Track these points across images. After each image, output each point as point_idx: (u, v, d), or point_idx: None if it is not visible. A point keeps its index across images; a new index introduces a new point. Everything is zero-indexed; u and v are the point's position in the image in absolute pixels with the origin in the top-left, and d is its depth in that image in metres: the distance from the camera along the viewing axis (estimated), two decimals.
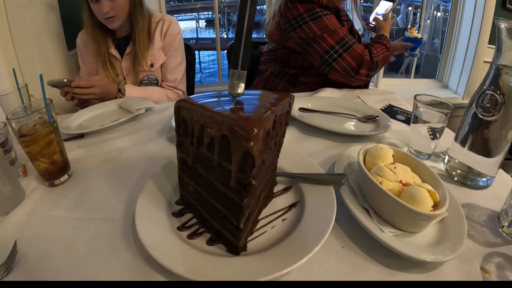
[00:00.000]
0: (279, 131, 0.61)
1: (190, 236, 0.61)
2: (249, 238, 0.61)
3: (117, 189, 0.73)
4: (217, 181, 0.57)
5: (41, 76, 0.72)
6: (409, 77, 3.27)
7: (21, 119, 0.69)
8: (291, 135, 1.01)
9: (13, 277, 0.56)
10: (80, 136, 0.93)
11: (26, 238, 0.63)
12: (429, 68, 3.37)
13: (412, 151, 0.92)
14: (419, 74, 3.42)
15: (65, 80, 1.21)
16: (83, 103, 1.32)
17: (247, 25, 0.54)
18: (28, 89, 0.88)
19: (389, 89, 2.48)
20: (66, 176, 0.76)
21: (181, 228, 0.63)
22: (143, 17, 1.49)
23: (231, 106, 0.55)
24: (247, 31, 0.54)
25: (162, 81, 1.60)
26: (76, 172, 0.78)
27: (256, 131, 0.49)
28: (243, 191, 0.53)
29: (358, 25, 1.67)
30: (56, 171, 0.74)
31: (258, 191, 0.60)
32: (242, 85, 0.56)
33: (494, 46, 0.73)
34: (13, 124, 0.68)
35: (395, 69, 4.51)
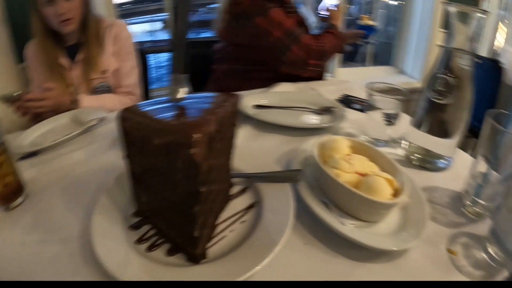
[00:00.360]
0: (226, 133, 0.59)
1: (149, 249, 0.59)
2: (208, 245, 0.59)
3: (74, 207, 0.70)
4: (165, 191, 0.55)
5: None
6: (365, 66, 3.30)
7: None
8: (246, 133, 1.00)
9: None
10: (34, 154, 0.90)
11: None
12: (385, 56, 3.41)
13: (370, 139, 0.91)
14: (376, 62, 3.44)
15: (14, 94, 1.18)
16: (37, 118, 1.27)
17: (180, 27, 0.52)
18: None
19: (346, 78, 2.50)
20: (21, 198, 0.73)
21: (139, 241, 0.60)
22: (94, 22, 1.46)
23: (172, 113, 0.53)
24: (180, 34, 0.52)
25: (116, 88, 1.55)
26: (32, 192, 0.75)
27: (197, 136, 0.47)
28: (192, 200, 0.51)
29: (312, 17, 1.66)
30: (10, 194, 0.71)
31: (211, 196, 0.58)
32: (183, 90, 0.54)
33: (445, 30, 0.73)
34: None
35: (351, 58, 4.53)
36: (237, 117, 0.63)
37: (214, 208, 0.61)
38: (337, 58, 2.96)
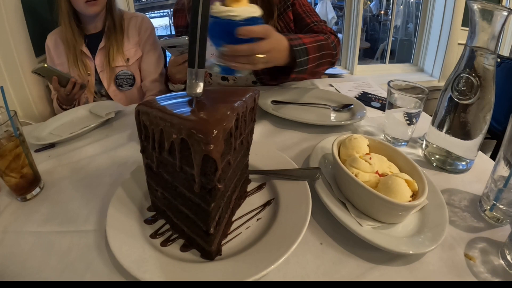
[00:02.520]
0: (244, 129, 0.56)
1: (164, 244, 0.57)
2: (223, 242, 0.57)
3: (89, 199, 0.68)
4: (182, 186, 0.52)
5: (1, 88, 0.67)
6: (384, 63, 3.20)
7: None
8: (264, 129, 0.96)
9: None
10: (51, 145, 0.88)
11: (0, 257, 0.58)
12: (404, 53, 3.31)
13: (389, 138, 0.87)
14: (394, 59, 3.36)
15: (45, 65, 1.18)
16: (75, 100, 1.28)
17: (201, 20, 0.49)
18: None
19: (364, 75, 2.42)
20: (38, 189, 0.71)
21: (154, 235, 0.58)
22: (117, 12, 1.44)
23: (191, 108, 0.50)
24: (201, 27, 0.49)
25: (142, 80, 1.53)
26: (48, 184, 0.74)
27: (215, 133, 0.45)
28: (208, 196, 0.49)
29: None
30: (27, 185, 0.70)
31: (228, 193, 0.55)
32: (201, 84, 0.51)
33: (467, 28, 0.68)
34: None
35: (370, 55, 4.43)
36: (255, 112, 0.60)
37: (230, 205, 0.59)
38: (357, 54, 2.89)
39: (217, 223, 0.53)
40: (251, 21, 0.74)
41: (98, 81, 1.46)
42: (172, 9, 1.47)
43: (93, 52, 1.45)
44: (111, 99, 1.47)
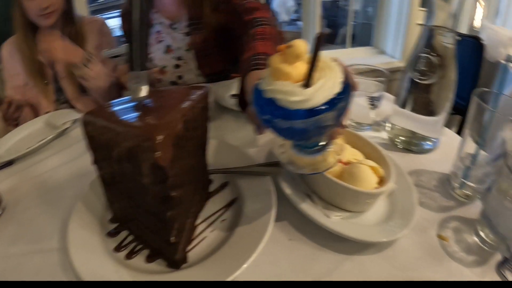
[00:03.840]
0: (197, 130, 0.52)
1: (128, 256, 0.54)
2: (188, 248, 0.53)
3: (52, 215, 0.64)
4: (137, 196, 0.49)
5: None
6: (345, 48, 3.14)
7: None
8: (224, 125, 0.92)
9: None
10: (10, 163, 0.83)
11: None
12: (365, 36, 3.29)
13: (353, 124, 0.84)
14: (356, 43, 3.33)
15: None
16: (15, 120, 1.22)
17: (139, 20, 0.45)
18: None
19: None
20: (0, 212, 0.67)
21: (117, 248, 0.55)
22: (76, 18, 1.38)
23: (136, 113, 0.46)
24: (140, 28, 0.45)
25: None
26: (11, 203, 0.69)
27: (161, 138, 0.41)
28: (164, 205, 0.46)
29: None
30: None
31: (186, 198, 0.52)
32: (145, 87, 0.47)
33: (425, 8, 0.65)
34: None
35: (332, 41, 4.39)
36: (207, 110, 0.56)
37: (191, 210, 0.56)
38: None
39: (178, 231, 0.50)
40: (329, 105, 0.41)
41: (58, 89, 1.39)
42: None
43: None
44: (72, 106, 1.40)
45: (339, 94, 0.40)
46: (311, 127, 0.41)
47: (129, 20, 1.22)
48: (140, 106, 0.48)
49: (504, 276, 0.51)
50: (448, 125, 0.76)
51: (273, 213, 0.54)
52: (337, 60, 0.44)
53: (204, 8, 1.12)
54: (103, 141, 0.47)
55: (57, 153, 0.84)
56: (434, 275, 0.50)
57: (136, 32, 0.45)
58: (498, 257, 0.53)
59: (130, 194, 0.50)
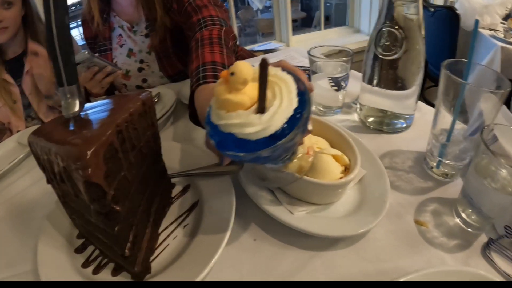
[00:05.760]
0: (139, 138, 0.49)
1: (95, 271, 0.51)
2: (152, 258, 0.51)
3: (24, 237, 0.62)
4: (86, 213, 0.47)
5: None
6: (320, 30, 3.08)
7: None
8: (185, 125, 0.88)
9: None
10: None
11: None
12: (340, 17, 3.18)
13: (321, 108, 0.79)
14: (332, 24, 3.21)
15: None
16: None
17: (58, 32, 0.42)
18: None
19: (301, 45, 2.32)
20: None
21: (85, 264, 0.53)
22: (41, 28, 1.32)
23: (69, 130, 0.44)
24: (60, 39, 0.42)
25: None
26: None
27: (89, 155, 0.38)
28: (108, 221, 0.43)
29: None
30: None
31: (139, 208, 0.49)
32: (77, 102, 0.44)
33: None
34: None
35: (308, 24, 4.25)
36: (152, 115, 0.53)
37: (149, 218, 0.53)
38: (290, 25, 2.78)
39: (133, 243, 0.47)
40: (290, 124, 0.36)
41: (27, 105, 1.36)
42: None
43: (18, 76, 1.34)
44: (43, 122, 1.36)
45: (298, 107, 0.36)
46: (279, 150, 0.37)
47: (88, 27, 1.20)
48: (75, 121, 0.45)
49: (491, 259, 0.46)
50: (430, 99, 0.69)
51: (232, 215, 0.50)
52: (282, 64, 0.39)
53: (157, 8, 1.08)
54: (45, 161, 0.45)
55: (28, 172, 0.83)
56: (411, 265, 0.46)
57: (56, 42, 0.41)
58: (483, 239, 0.48)
59: (80, 212, 0.48)
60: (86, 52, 0.91)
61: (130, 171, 0.46)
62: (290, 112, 0.35)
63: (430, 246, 0.48)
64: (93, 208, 0.42)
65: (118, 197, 0.43)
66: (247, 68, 0.36)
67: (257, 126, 0.34)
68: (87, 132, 0.42)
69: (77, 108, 0.44)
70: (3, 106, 1.31)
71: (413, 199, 0.54)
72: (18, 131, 1.26)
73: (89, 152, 0.38)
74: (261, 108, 0.35)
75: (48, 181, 0.50)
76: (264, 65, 0.34)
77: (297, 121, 0.36)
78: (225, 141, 0.37)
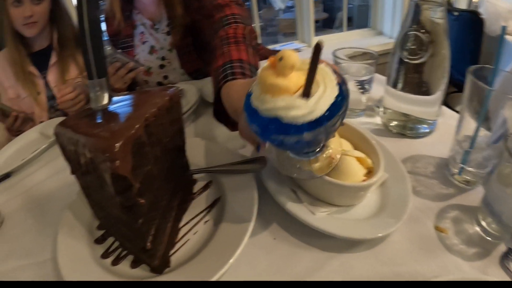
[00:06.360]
0: (164, 133, 0.49)
1: (115, 262, 0.52)
2: (171, 252, 0.51)
3: (44, 226, 0.64)
4: (108, 206, 0.47)
5: None
6: (342, 31, 3.06)
7: None
8: (212, 121, 0.87)
9: None
10: (7, 176, 0.83)
11: None
12: (363, 19, 3.14)
13: None
14: (354, 26, 3.18)
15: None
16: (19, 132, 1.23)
17: (90, 26, 0.42)
18: None
19: (324, 46, 2.26)
20: None
21: (105, 255, 0.54)
22: (68, 23, 1.37)
23: (97, 122, 0.44)
24: (92, 33, 0.43)
25: None
26: (7, 217, 0.69)
27: (117, 147, 0.39)
28: (132, 213, 0.44)
29: None
30: None
31: (162, 203, 0.50)
32: (106, 95, 0.45)
33: None
34: None
35: (330, 25, 4.22)
36: (178, 111, 0.53)
37: (171, 213, 0.54)
38: (312, 25, 2.75)
39: (154, 236, 0.48)
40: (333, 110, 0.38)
41: (51, 97, 1.40)
42: None
43: (43, 69, 1.38)
44: (66, 114, 1.41)
45: (338, 95, 0.37)
46: (320, 135, 0.39)
47: (111, 24, 1.22)
48: (103, 114, 0.46)
49: (508, 269, 0.46)
50: (452, 104, 0.69)
51: (254, 213, 0.51)
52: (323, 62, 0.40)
53: (176, 7, 1.10)
54: (72, 152, 0.46)
55: (48, 163, 0.84)
56: (428, 271, 0.45)
57: (88, 37, 0.42)
58: (502, 248, 0.48)
59: (103, 203, 0.49)
60: (109, 48, 0.92)
61: (155, 165, 0.47)
62: (332, 99, 0.36)
63: (448, 253, 0.47)
64: (118, 200, 0.43)
65: (143, 190, 0.44)
66: (294, 54, 0.37)
67: (303, 109, 0.35)
68: (115, 125, 0.43)
69: (106, 101, 0.45)
70: (27, 96, 1.35)
71: (434, 205, 0.54)
72: (41, 121, 1.29)
73: (117, 145, 0.39)
74: (307, 92, 0.36)
75: (72, 172, 0.51)
76: (318, 48, 0.35)
77: (339, 108, 0.38)
78: (267, 126, 0.38)
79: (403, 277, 0.45)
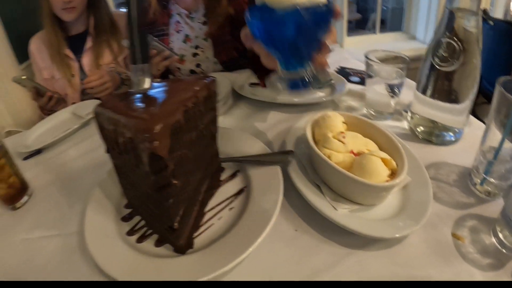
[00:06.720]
0: (200, 120, 0.52)
1: (139, 240, 0.55)
2: (195, 234, 0.54)
3: (73, 201, 0.67)
4: (143, 184, 0.50)
5: None
6: (375, 33, 3.02)
7: None
8: (240, 113, 0.91)
9: None
10: (38, 152, 0.87)
11: None
12: (396, 22, 3.10)
13: (372, 112, 0.80)
14: (388, 28, 3.14)
15: (23, 77, 1.19)
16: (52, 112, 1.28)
17: (136, 12, 0.45)
18: None
19: (355, 47, 2.28)
20: (26, 197, 0.70)
21: (130, 232, 0.57)
22: (105, 11, 1.42)
23: (138, 105, 0.47)
24: (138, 19, 0.45)
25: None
26: (36, 190, 0.73)
27: (158, 129, 0.42)
28: (165, 193, 0.47)
29: None
30: (14, 195, 0.69)
31: (191, 186, 0.52)
32: (148, 79, 0.47)
33: None
34: None
35: (363, 26, 4.17)
36: (214, 99, 0.56)
37: (198, 197, 0.56)
38: (345, 26, 2.73)
39: (182, 217, 0.50)
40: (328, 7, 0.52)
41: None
42: None
43: (78, 52, 1.44)
44: (97, 97, 1.44)
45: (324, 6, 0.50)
46: (303, 27, 0.50)
47: (147, 12, 1.25)
48: (143, 97, 0.48)
49: None
50: (481, 115, 0.70)
51: (277, 205, 0.53)
52: None
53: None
54: (110, 131, 0.48)
55: (80, 142, 0.88)
56: (440, 276, 0.47)
57: (135, 24, 0.45)
58: None
59: (135, 182, 0.51)
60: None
61: (189, 149, 0.49)
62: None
63: (463, 261, 0.48)
64: (153, 179, 0.45)
65: (176, 172, 0.46)
66: None
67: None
68: (156, 109, 0.45)
69: (147, 85, 0.48)
70: (61, 78, 1.41)
71: (453, 212, 0.55)
72: (73, 103, 1.33)
73: (158, 127, 0.41)
74: None
75: (108, 151, 0.54)
76: None
77: (321, 10, 0.50)
78: (259, 14, 0.51)
79: (416, 279, 0.46)
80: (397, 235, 0.49)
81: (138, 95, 0.49)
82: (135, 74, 0.47)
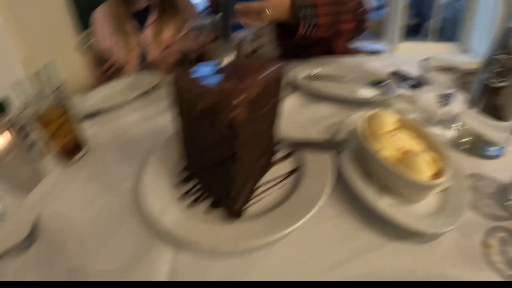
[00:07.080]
0: (269, 100, 0.57)
1: (192, 204, 0.60)
2: (246, 206, 0.59)
3: (128, 163, 0.72)
4: (209, 150, 0.55)
5: (52, 62, 0.70)
6: (429, 41, 3.03)
7: (37, 104, 0.69)
8: (295, 102, 0.95)
9: (36, 247, 0.57)
10: (97, 113, 0.93)
11: (46, 214, 0.63)
12: (451, 32, 3.01)
13: (420, 118, 0.83)
14: (442, 38, 3.09)
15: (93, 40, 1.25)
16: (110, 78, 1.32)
17: None
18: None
19: (408, 53, 2.23)
20: (82, 154, 0.76)
21: (184, 195, 0.61)
22: None
23: (218, 78, 0.52)
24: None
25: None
26: (93, 148, 0.79)
27: (237, 101, 0.46)
28: (230, 161, 0.51)
29: None
30: (72, 150, 0.74)
31: (251, 159, 0.57)
32: (229, 55, 0.52)
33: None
34: (29, 108, 0.68)
35: (416, 31, 4.09)
36: (281, 85, 0.60)
37: (254, 171, 0.61)
38: (400, 30, 2.72)
39: (240, 186, 0.55)
40: None
41: (143, 54, 1.50)
42: None
43: (140, 26, 1.48)
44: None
45: None
46: None
47: None
48: (223, 71, 0.53)
49: None
50: None
51: (327, 187, 0.58)
52: None
53: None
54: (187, 99, 0.53)
55: (138, 110, 0.94)
56: (467, 279, 0.50)
57: (224, 2, 0.49)
58: None
59: (203, 147, 0.56)
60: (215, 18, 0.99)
61: (256, 125, 0.54)
62: None
63: (489, 268, 0.52)
64: (223, 148, 0.50)
65: (243, 144, 0.51)
66: None
67: None
68: (238, 82, 0.50)
69: (229, 60, 0.53)
70: (122, 49, 1.46)
71: (485, 222, 0.58)
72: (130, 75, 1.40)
73: (239, 99, 0.46)
74: None
75: (179, 114, 0.58)
76: None
77: None
78: None
79: (445, 278, 0.50)
80: (433, 230, 0.54)
81: (216, 68, 0.54)
82: (222, 47, 0.52)
